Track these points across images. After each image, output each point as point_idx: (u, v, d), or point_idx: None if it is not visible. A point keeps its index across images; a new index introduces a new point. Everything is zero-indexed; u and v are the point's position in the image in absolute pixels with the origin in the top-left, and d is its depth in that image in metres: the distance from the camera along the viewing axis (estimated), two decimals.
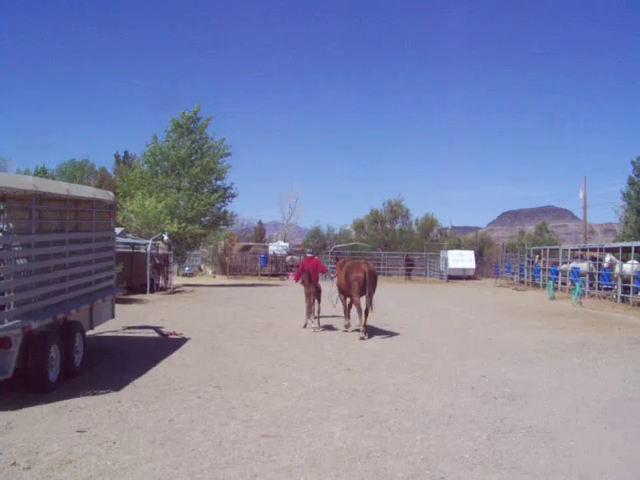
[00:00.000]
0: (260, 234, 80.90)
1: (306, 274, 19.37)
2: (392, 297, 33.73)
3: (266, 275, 54.50)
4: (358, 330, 18.20)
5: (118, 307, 24.33)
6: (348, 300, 19.27)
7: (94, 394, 10.30)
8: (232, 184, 43.96)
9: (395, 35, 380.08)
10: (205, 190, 42.56)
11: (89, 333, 14.60)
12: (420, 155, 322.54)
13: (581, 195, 57.63)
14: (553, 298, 33.82)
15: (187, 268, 57.15)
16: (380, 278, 50.22)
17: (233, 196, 43.91)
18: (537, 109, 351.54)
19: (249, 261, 59.46)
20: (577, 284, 32.65)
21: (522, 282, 47.13)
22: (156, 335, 17.49)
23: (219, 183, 43.55)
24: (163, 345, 15.60)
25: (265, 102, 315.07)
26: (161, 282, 36.86)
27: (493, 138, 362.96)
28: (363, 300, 18.19)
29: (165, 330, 17.97)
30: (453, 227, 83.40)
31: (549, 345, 16.74)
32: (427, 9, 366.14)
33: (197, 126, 42.95)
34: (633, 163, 53.21)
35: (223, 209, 44.11)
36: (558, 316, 24.67)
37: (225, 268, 56.31)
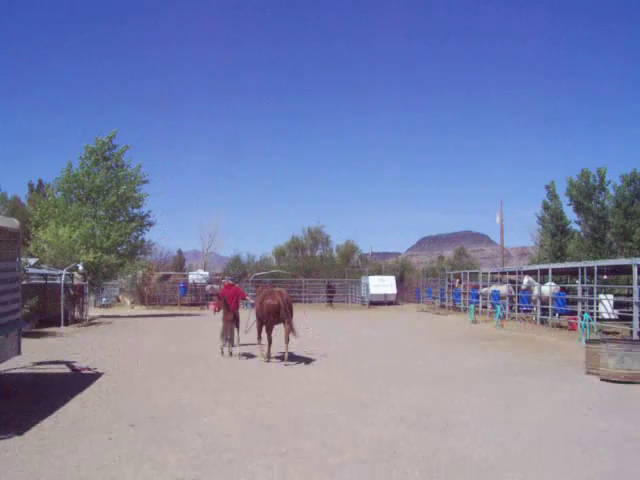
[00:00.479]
0: (180, 263, 79.38)
1: (222, 301, 19.37)
2: (315, 324, 33.33)
3: (186, 305, 53.42)
4: (279, 359, 18.20)
5: (29, 341, 23.35)
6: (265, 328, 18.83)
7: None
8: (149, 212, 43.12)
9: (314, 60, 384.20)
10: (121, 219, 41.48)
11: None
12: (339, 181, 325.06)
13: (498, 219, 58.62)
14: (475, 322, 34.09)
15: (104, 299, 55.59)
16: (302, 305, 50.68)
17: (150, 224, 43.13)
18: (453, 132, 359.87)
19: (168, 291, 58.20)
20: (498, 307, 32.90)
21: (443, 306, 47.49)
22: (68, 371, 16.47)
23: (136, 211, 42.63)
24: (75, 382, 14.62)
25: (182, 129, 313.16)
26: (76, 314, 35.51)
27: (410, 162, 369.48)
28: (281, 328, 18.22)
29: (78, 365, 16.98)
30: (373, 253, 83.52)
31: (477, 370, 16.55)
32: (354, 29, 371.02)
33: (113, 153, 41.90)
34: (547, 187, 54.52)
35: (140, 238, 43.14)
36: (482, 340, 24.67)
37: (144, 298, 54.96)
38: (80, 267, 35.87)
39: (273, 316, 18.06)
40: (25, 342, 22.95)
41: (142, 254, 45.06)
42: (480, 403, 12.22)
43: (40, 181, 75.71)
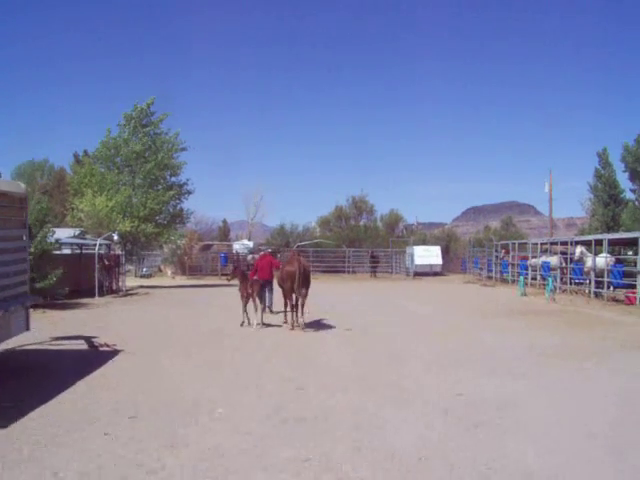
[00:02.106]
0: (225, 233, 78.71)
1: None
2: (357, 296, 32.24)
3: (226, 275, 52.22)
4: (312, 327, 18.69)
5: (57, 313, 22.52)
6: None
7: None
8: (188, 180, 41.86)
9: (357, 30, 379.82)
10: (159, 187, 40.30)
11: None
12: (384, 151, 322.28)
13: (546, 188, 56.63)
14: (524, 294, 32.36)
15: (145, 269, 54.93)
16: (345, 276, 49.76)
17: (189, 193, 41.87)
18: (500, 103, 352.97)
19: (210, 261, 57.26)
20: (549, 279, 30.98)
21: (490, 277, 45.69)
22: (86, 347, 15.27)
23: (174, 180, 41.40)
24: (89, 360, 13.35)
25: (227, 100, 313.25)
26: (113, 284, 34.58)
27: (455, 133, 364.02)
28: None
29: (97, 341, 15.71)
30: (419, 223, 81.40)
31: (530, 350, 14.88)
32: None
33: (151, 120, 40.68)
34: (599, 155, 52.36)
35: (179, 207, 41.96)
36: (533, 314, 22.96)
37: (185, 268, 54.12)
38: (115, 236, 34.91)
39: (291, 282, 18.32)
40: (53, 314, 22.34)
41: (180, 223, 43.92)
42: (538, 393, 10.56)
43: (85, 151, 75.34)
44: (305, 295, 18.59)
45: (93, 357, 13.85)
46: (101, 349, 14.89)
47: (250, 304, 19.21)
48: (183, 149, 41.20)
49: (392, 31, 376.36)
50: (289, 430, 8.34)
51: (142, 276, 52.30)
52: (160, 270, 58.81)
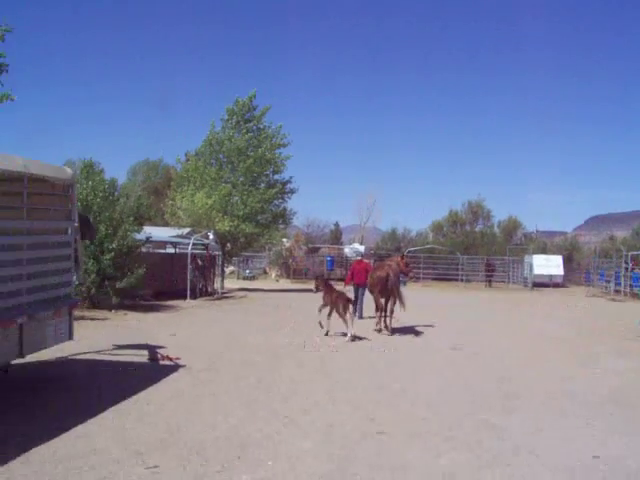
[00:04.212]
0: (336, 236, 76.89)
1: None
2: (471, 308, 29.54)
3: (333, 279, 50.20)
4: (418, 345, 16.22)
5: (139, 316, 20.93)
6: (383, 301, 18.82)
7: None
8: (291, 177, 39.76)
9: (463, 38, 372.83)
10: (262, 185, 38.43)
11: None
12: (502, 157, 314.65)
13: None
14: None
15: (248, 271, 53.67)
16: (458, 284, 46.36)
17: (292, 191, 39.73)
18: (631, 107, 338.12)
19: (316, 264, 55.38)
20: None
21: (618, 291, 41.65)
22: (145, 360, 13.27)
23: (277, 177, 39.44)
24: (140, 377, 11.28)
25: (341, 105, 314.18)
26: (208, 286, 32.94)
27: (578, 139, 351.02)
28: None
29: (162, 352, 13.64)
30: (538, 231, 76.90)
31: None
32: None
33: (253, 115, 38.88)
34: None
35: (282, 206, 39.99)
36: None
37: (289, 271, 52.43)
38: (210, 235, 33.40)
39: (381, 288, 18.26)
40: (133, 317, 20.76)
41: (283, 224, 41.91)
42: None
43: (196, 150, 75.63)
44: (394, 301, 18.47)
45: (148, 372, 11.83)
46: (162, 362, 12.92)
47: (334, 315, 17.33)
48: (285, 144, 39.02)
49: (502, 35, 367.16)
50: None
51: (245, 278, 51.04)
52: (265, 272, 57.46)
